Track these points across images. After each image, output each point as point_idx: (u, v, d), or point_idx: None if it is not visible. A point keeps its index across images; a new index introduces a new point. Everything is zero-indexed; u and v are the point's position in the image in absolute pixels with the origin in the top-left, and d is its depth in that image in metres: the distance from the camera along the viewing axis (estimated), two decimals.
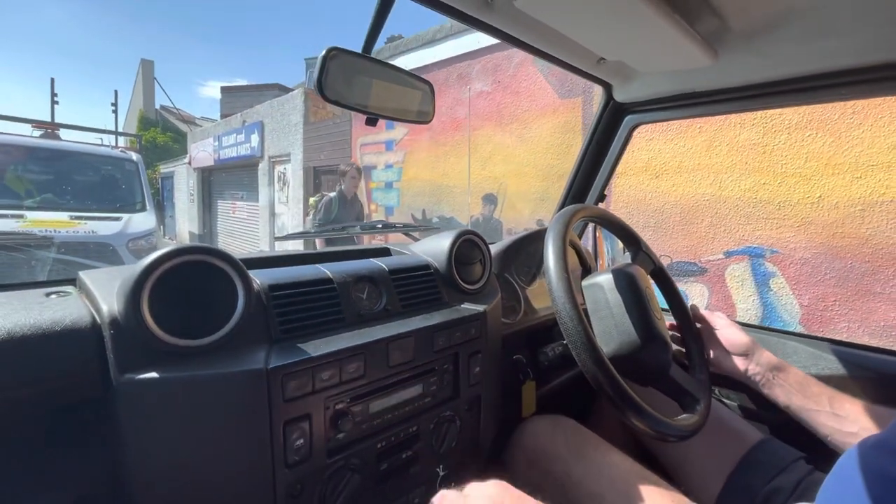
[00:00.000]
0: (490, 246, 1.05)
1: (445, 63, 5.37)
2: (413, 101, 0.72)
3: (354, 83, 0.61)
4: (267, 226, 9.34)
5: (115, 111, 15.60)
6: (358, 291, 0.71)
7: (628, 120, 1.23)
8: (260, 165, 9.41)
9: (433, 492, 0.76)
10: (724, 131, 3.08)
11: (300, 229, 8.10)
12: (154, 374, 0.48)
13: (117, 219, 4.60)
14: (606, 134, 1.28)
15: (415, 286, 0.78)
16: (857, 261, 2.60)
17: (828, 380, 1.00)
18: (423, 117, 0.74)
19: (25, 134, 5.59)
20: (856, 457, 0.38)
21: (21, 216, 4.11)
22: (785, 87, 0.99)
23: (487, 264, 0.91)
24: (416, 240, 1.14)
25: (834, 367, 1.01)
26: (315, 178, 8.01)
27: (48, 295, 0.58)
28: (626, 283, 0.78)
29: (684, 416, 0.74)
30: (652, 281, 0.95)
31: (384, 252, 0.92)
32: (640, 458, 0.91)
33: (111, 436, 0.50)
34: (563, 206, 1.42)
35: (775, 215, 2.90)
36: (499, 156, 4.86)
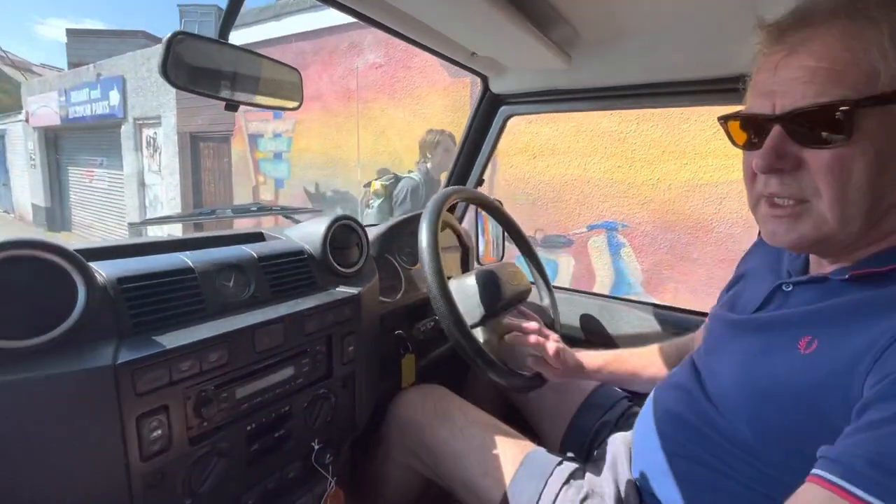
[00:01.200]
0: (370, 228, 1.08)
1: (336, 30, 5.08)
2: (278, 87, 0.72)
3: (207, 69, 0.59)
4: (135, 197, 8.15)
5: None
6: (223, 280, 0.71)
7: (503, 111, 1.33)
8: (123, 128, 8.09)
9: (309, 464, 0.81)
10: (589, 119, 3.44)
11: (177, 201, 7.19)
12: None
13: None
14: (483, 123, 1.36)
15: (286, 272, 0.79)
16: (682, 233, 3.16)
17: (649, 334, 1.24)
18: (289, 104, 0.73)
19: None
20: None
21: None
22: (630, 92, 1.14)
23: (364, 247, 0.95)
24: (296, 222, 1.14)
25: (651, 323, 1.24)
26: (193, 145, 7.14)
27: None
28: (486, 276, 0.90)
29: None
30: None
31: (257, 237, 0.91)
32: (506, 415, 1.05)
33: None
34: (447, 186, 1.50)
35: (626, 194, 3.37)
36: (393, 129, 4.79)
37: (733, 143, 0.57)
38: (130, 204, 8.36)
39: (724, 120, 0.57)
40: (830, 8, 0.46)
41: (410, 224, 1.22)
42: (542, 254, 3.55)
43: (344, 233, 0.91)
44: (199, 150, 7.22)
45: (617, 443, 0.80)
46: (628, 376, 0.91)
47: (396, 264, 1.16)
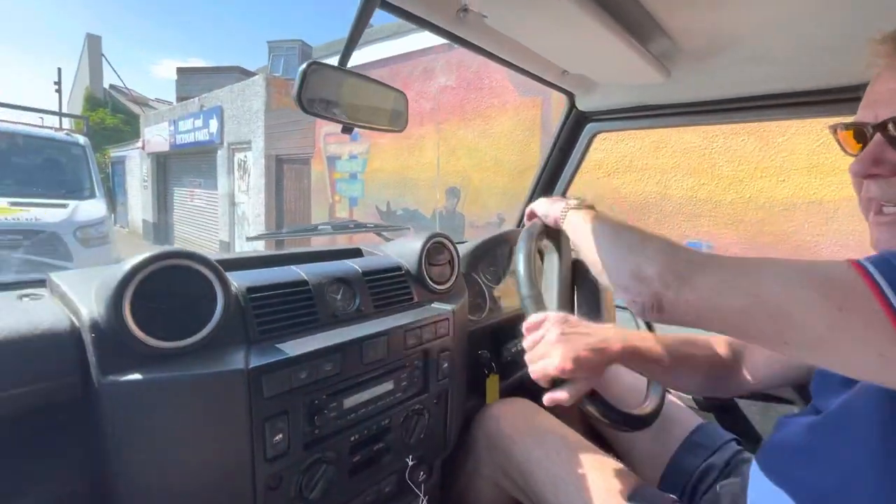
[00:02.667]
0: (458, 246, 1.10)
1: (411, 56, 5.34)
2: (387, 109, 0.75)
3: (332, 95, 0.63)
4: (226, 215, 9.01)
5: (58, 90, 14.32)
6: (332, 293, 0.74)
7: (589, 128, 1.31)
8: (219, 152, 9.06)
9: (403, 480, 0.81)
10: (670, 134, 3.29)
11: (261, 218, 7.76)
12: (137, 376, 0.50)
13: (63, 206, 4.26)
14: (569, 140, 1.35)
15: (387, 287, 0.82)
16: (779, 256, 2.83)
17: None
18: (397, 125, 0.77)
19: None
20: None
21: None
22: (729, 106, 1.08)
23: (456, 265, 0.96)
24: (386, 239, 1.18)
25: None
26: (277, 167, 7.78)
27: (20, 298, 0.57)
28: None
29: (640, 407, 0.82)
30: None
31: (356, 253, 0.95)
32: (592, 438, 0.99)
33: (92, 437, 0.51)
34: (527, 205, 1.48)
35: (712, 213, 3.15)
36: (462, 149, 4.90)
37: (844, 151, 0.58)
38: (222, 220, 9.29)
39: (833, 129, 0.58)
40: None
41: (497, 243, 1.22)
42: None
43: (438, 250, 0.93)
44: (282, 172, 7.83)
45: (734, 492, 0.72)
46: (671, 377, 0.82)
47: (481, 282, 1.16)
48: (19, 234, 3.90)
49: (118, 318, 0.50)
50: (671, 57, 0.97)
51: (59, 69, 14.64)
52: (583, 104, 1.26)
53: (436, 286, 0.90)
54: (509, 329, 1.18)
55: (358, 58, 6.01)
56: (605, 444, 1.00)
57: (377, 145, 6.00)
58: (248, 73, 14.23)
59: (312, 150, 7.02)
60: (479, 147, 4.65)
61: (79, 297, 0.54)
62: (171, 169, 12.09)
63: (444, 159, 5.07)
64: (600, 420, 0.73)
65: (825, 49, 0.84)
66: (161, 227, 12.35)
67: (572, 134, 1.34)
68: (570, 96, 1.26)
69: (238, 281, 0.64)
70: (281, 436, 0.60)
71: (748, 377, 0.80)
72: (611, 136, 3.57)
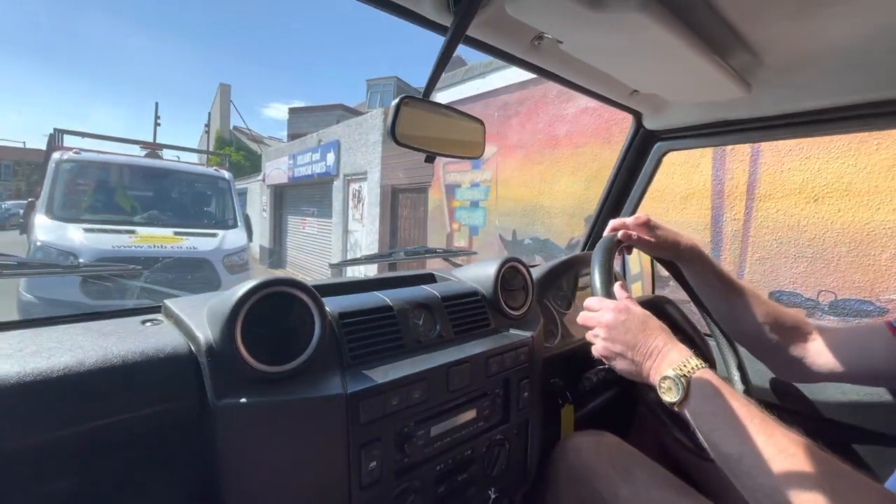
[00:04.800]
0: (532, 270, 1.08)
1: (541, 79, 5.28)
2: (467, 138, 0.77)
3: (420, 127, 0.66)
4: (339, 241, 9.51)
5: (158, 124, 16.25)
6: (415, 318, 0.75)
7: (658, 147, 1.27)
8: (335, 183, 9.62)
9: None
10: None
11: (375, 246, 8.10)
12: (248, 399, 0.52)
13: (214, 235, 4.70)
14: (636, 159, 1.31)
15: (465, 312, 0.82)
16: None
17: (868, 406, 1.01)
18: (475, 152, 0.78)
19: (133, 154, 5.84)
20: None
21: (133, 231, 4.27)
22: (815, 118, 1.02)
23: (530, 290, 0.94)
24: (454, 265, 1.18)
25: (875, 393, 1.01)
26: (393, 197, 8.04)
27: (143, 323, 0.62)
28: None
29: None
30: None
31: (430, 278, 0.96)
32: (681, 476, 0.92)
33: (206, 457, 0.54)
34: (593, 228, 1.45)
35: None
36: (606, 175, 4.54)
37: None
38: (336, 247, 9.80)
39: None
40: None
41: (566, 268, 1.19)
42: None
43: (512, 275, 0.92)
44: (397, 201, 8.06)
45: None
46: (724, 303, 0.86)
47: (552, 309, 1.13)
48: (181, 262, 4.32)
49: (231, 343, 0.53)
50: (752, 71, 0.93)
51: (157, 103, 16.88)
52: (650, 123, 1.23)
53: (511, 312, 0.89)
54: (582, 357, 1.14)
55: (482, 85, 6.04)
56: (695, 484, 0.92)
57: (502, 173, 5.78)
58: (349, 110, 15.99)
59: (430, 179, 7.03)
60: None
61: (195, 323, 0.57)
62: (286, 199, 13.17)
63: (584, 186, 4.69)
64: (689, 448, 0.68)
65: None
66: (275, 251, 13.40)
67: (639, 153, 1.31)
68: (637, 115, 1.24)
69: (330, 306, 0.66)
70: (375, 463, 0.60)
71: (816, 358, 0.80)
72: (819, 154, 3.00)
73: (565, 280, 1.22)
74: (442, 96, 6.79)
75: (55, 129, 5.10)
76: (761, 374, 1.15)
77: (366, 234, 8.51)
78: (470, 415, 0.75)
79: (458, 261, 1.28)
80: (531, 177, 5.33)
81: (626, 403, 1.21)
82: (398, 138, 0.61)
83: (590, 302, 0.74)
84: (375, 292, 0.77)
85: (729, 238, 3.42)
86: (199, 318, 0.58)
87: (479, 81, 6.09)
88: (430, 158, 0.72)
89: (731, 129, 1.14)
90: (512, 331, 0.86)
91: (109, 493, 0.52)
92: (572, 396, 1.06)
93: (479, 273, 0.92)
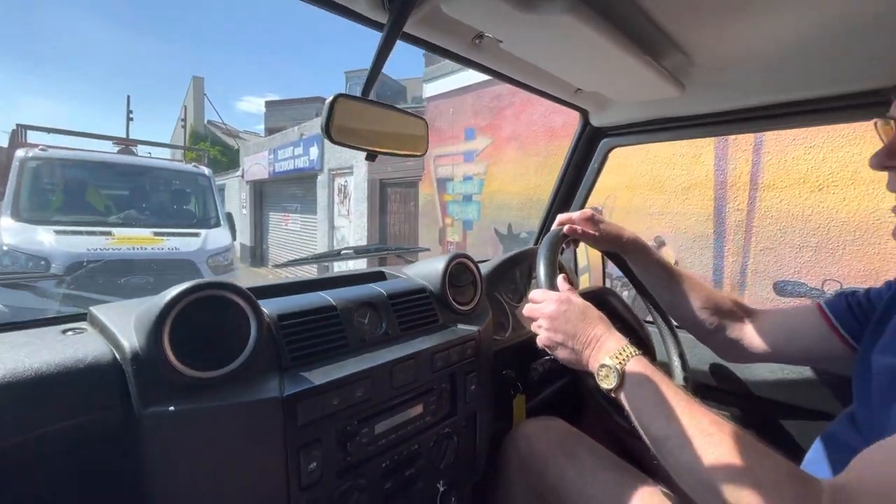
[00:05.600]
0: (479, 266, 1.10)
1: None
2: (408, 135, 0.77)
3: (357, 125, 0.65)
4: (326, 238, 9.22)
5: (130, 118, 15.08)
6: (360, 317, 0.75)
7: (604, 143, 1.31)
8: (319, 178, 9.30)
9: None
10: None
11: (363, 242, 7.84)
12: (177, 406, 0.51)
13: (196, 234, 4.45)
14: (584, 155, 1.35)
15: (412, 309, 0.82)
16: None
17: (791, 384, 1.09)
18: (418, 149, 0.78)
19: (105, 150, 5.39)
20: None
21: (109, 233, 3.97)
22: (745, 115, 1.08)
23: (479, 285, 0.96)
24: (407, 262, 1.19)
25: (795, 372, 1.09)
26: (381, 191, 7.77)
27: (64, 332, 0.59)
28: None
29: None
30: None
31: (379, 276, 0.96)
32: (626, 458, 0.97)
33: (133, 467, 0.52)
34: (544, 223, 1.49)
35: None
36: (606, 166, 4.28)
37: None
38: (321, 243, 9.47)
39: (875, 123, 0.60)
40: None
41: (517, 261, 1.21)
42: None
43: (460, 270, 0.93)
44: (386, 196, 7.79)
45: None
46: (667, 291, 0.91)
47: (504, 302, 1.15)
48: (163, 263, 4.06)
49: (158, 350, 0.51)
50: (685, 71, 0.97)
51: (129, 97, 15.62)
52: (596, 120, 1.27)
53: (460, 307, 0.90)
54: (533, 348, 1.17)
55: (475, 76, 5.73)
56: (640, 465, 0.97)
57: (496, 166, 5.55)
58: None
59: (421, 173, 6.80)
60: (628, 163, 3.99)
61: (119, 329, 0.55)
62: (266, 195, 12.68)
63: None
64: (629, 431, 0.72)
65: (840, 55, 0.84)
66: (256, 250, 12.90)
67: (587, 149, 1.35)
68: (584, 113, 1.27)
69: (269, 308, 0.65)
70: (315, 464, 0.60)
71: (753, 339, 0.85)
72: (821, 145, 3.01)
73: (519, 272, 1.25)
74: (431, 87, 6.64)
75: (18, 125, 4.74)
76: (701, 358, 1.22)
77: (353, 230, 8.32)
78: (416, 410, 0.76)
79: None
80: (526, 169, 5.15)
81: (575, 391, 1.25)
82: (333, 136, 0.61)
83: (534, 294, 0.77)
84: (320, 292, 0.76)
85: (732, 228, 3.41)
86: (125, 325, 0.56)
87: (471, 72, 6.10)
88: (370, 156, 0.72)
89: (669, 126, 1.19)
90: (460, 326, 0.87)
91: None
92: (524, 387, 1.09)
93: (428, 270, 0.93)
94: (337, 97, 0.61)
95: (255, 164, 12.15)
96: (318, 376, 0.61)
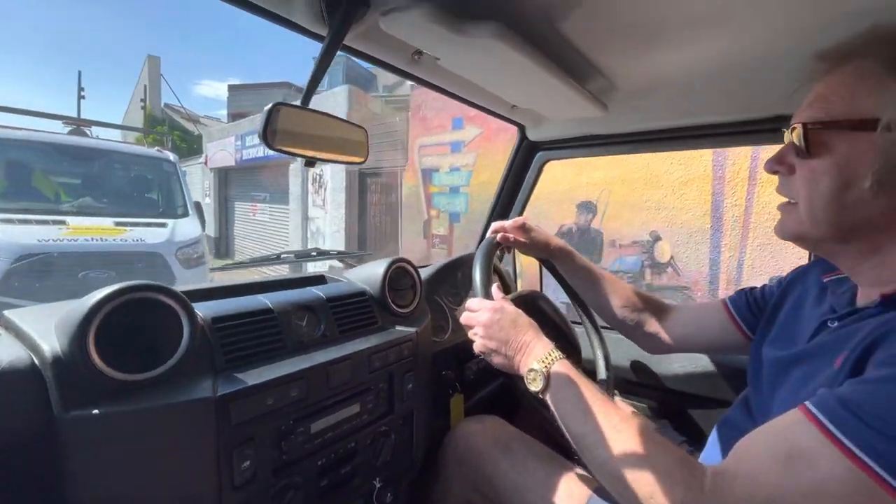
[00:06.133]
0: (420, 270, 1.14)
1: None
2: (348, 143, 0.80)
3: (296, 132, 0.67)
4: (299, 230, 8.66)
5: (82, 97, 13.16)
6: (298, 319, 0.76)
7: (539, 156, 1.40)
8: (291, 166, 8.69)
9: (371, 503, 0.82)
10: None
11: (340, 234, 7.44)
12: (100, 410, 0.50)
13: (163, 225, 4.03)
14: (521, 167, 1.44)
15: (351, 312, 0.85)
16: None
17: (699, 375, 1.21)
18: (358, 157, 0.81)
19: (54, 131, 4.69)
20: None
21: (62, 222, 3.49)
22: (662, 136, 1.20)
23: (418, 289, 1.00)
24: (349, 266, 1.20)
25: (703, 363, 1.22)
26: (360, 181, 7.39)
27: None
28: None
29: None
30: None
31: (320, 280, 0.98)
32: (557, 449, 1.04)
33: (56, 474, 0.51)
34: (484, 230, 1.56)
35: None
36: (599, 160, 4.09)
37: None
38: (294, 235, 8.88)
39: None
40: (862, 47, 0.52)
41: (457, 266, 1.27)
42: None
43: (400, 275, 0.97)
44: (366, 186, 7.38)
45: None
46: (591, 293, 0.99)
47: (444, 305, 1.20)
48: (128, 256, 3.63)
49: (82, 353, 0.51)
50: (607, 93, 1.07)
51: (80, 72, 13.72)
52: (533, 135, 1.35)
53: (399, 310, 0.94)
54: (470, 350, 1.22)
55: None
56: (569, 454, 1.04)
57: (486, 156, 5.33)
58: (298, 88, 14.60)
59: (404, 163, 6.47)
60: (624, 158, 3.87)
61: (38, 333, 0.54)
62: (232, 184, 11.88)
63: (575, 170, 4.31)
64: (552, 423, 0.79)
65: (746, 85, 0.94)
66: (221, 241, 12.00)
67: (524, 162, 1.43)
68: (521, 127, 1.36)
69: (204, 311, 0.66)
70: (248, 462, 0.61)
71: (667, 332, 0.94)
72: None
73: (460, 275, 1.31)
74: None
75: None
76: (624, 354, 1.33)
77: (329, 222, 7.90)
78: (353, 409, 0.78)
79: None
80: None
81: (510, 391, 1.32)
82: (270, 143, 0.63)
83: (470, 303, 0.82)
84: (258, 295, 0.77)
85: (729, 224, 3.48)
86: (44, 329, 0.55)
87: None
88: (309, 163, 0.74)
89: (597, 142, 1.30)
90: (398, 327, 0.90)
91: None
92: (462, 387, 1.14)
93: (369, 273, 0.95)
94: (275, 105, 0.63)
95: (220, 151, 11.41)
96: (253, 377, 0.62)
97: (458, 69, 0.90)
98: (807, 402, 0.46)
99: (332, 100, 7.70)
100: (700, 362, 1.22)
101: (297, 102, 0.70)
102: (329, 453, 0.74)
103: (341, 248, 6.95)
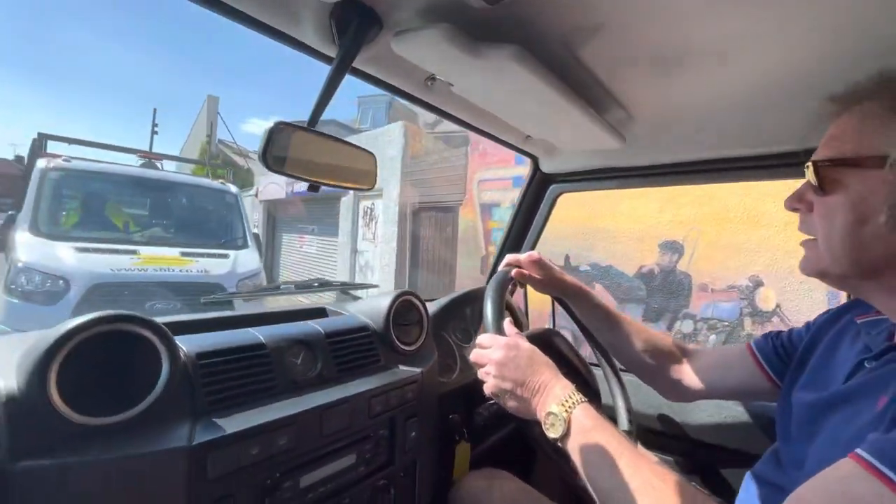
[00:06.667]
0: (427, 305, 1.07)
1: None
2: (355, 168, 0.76)
3: (299, 155, 0.63)
4: (346, 262, 8.78)
5: (155, 132, 14.38)
6: (292, 356, 0.70)
7: (553, 189, 1.36)
8: (343, 199, 8.89)
9: None
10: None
11: (390, 268, 7.45)
12: (57, 460, 0.43)
13: (225, 256, 4.05)
14: (534, 199, 1.39)
15: (352, 349, 0.78)
16: None
17: (729, 427, 1.11)
18: (366, 183, 0.77)
19: (127, 164, 4.90)
20: None
21: (134, 252, 3.54)
22: (681, 169, 1.15)
23: (425, 325, 0.93)
24: (355, 299, 1.14)
25: (735, 414, 1.12)
26: (414, 216, 7.34)
27: None
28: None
29: None
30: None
31: (321, 313, 0.91)
32: None
33: None
34: (496, 263, 1.50)
35: None
36: (687, 196, 3.73)
37: None
38: (341, 268, 8.94)
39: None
40: (870, 90, 0.54)
41: (466, 301, 1.20)
42: None
43: (406, 309, 0.90)
44: (419, 220, 7.33)
45: None
46: (609, 334, 0.92)
47: (452, 342, 1.12)
48: (193, 287, 3.60)
49: (41, 392, 0.44)
50: (625, 124, 1.03)
51: (155, 109, 14.80)
52: (546, 166, 1.31)
53: (404, 347, 0.87)
54: (481, 391, 1.14)
55: None
56: None
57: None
58: (342, 126, 15.47)
59: (462, 198, 6.41)
60: (715, 194, 3.58)
61: None
62: (280, 216, 12.34)
63: (657, 206, 3.90)
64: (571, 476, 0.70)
65: (763, 118, 0.92)
66: (266, 270, 12.51)
67: (536, 195, 1.39)
68: (534, 159, 1.32)
69: (188, 345, 0.59)
70: None
71: (689, 379, 0.88)
72: None
73: (470, 311, 1.24)
74: None
75: (39, 134, 4.29)
76: (644, 400, 1.23)
77: (379, 255, 7.92)
78: (349, 460, 0.70)
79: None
80: (589, 196, 4.39)
81: (524, 439, 1.22)
82: (269, 164, 0.58)
83: (482, 339, 0.75)
84: (250, 329, 0.71)
85: None
86: (5, 362, 0.49)
87: None
88: (313, 187, 0.69)
89: (613, 175, 1.25)
90: (402, 367, 0.83)
91: None
92: (469, 433, 1.05)
93: (372, 307, 0.89)
94: (276, 125, 0.59)
95: (271, 184, 11.84)
96: (237, 422, 0.55)
97: (473, 96, 0.87)
98: (858, 451, 0.42)
99: (386, 136, 7.76)
100: (730, 411, 1.12)
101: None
102: None
103: (390, 282, 6.91)
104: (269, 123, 0.58)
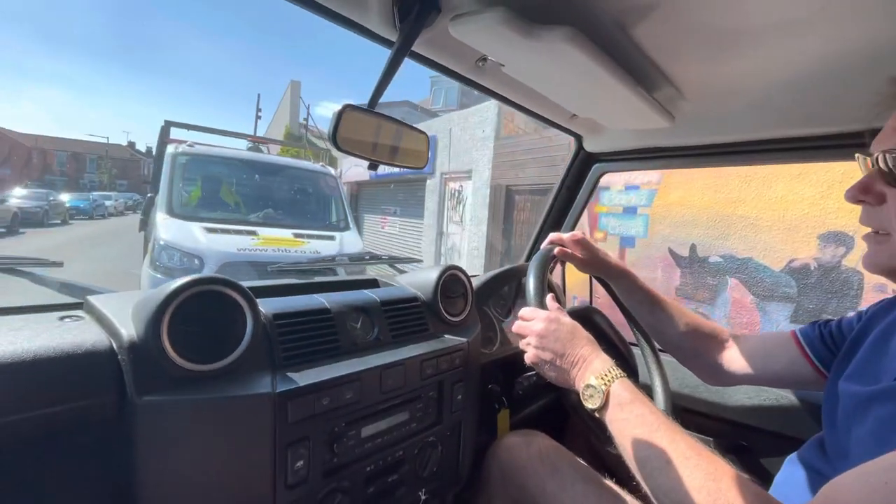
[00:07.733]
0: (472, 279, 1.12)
1: None
2: (411, 148, 0.80)
3: (362, 135, 0.68)
4: (432, 244, 8.86)
5: (259, 117, 15.54)
6: (352, 321, 0.76)
7: (596, 168, 1.36)
8: (428, 182, 8.91)
9: None
10: None
11: (479, 251, 7.36)
12: (172, 397, 0.51)
13: (332, 238, 4.25)
14: (576, 179, 1.40)
15: (404, 317, 0.84)
16: None
17: (772, 409, 1.12)
18: (419, 163, 0.81)
19: (235, 147, 5.20)
20: None
21: (254, 233, 3.79)
22: (730, 149, 1.13)
23: (470, 298, 0.98)
24: (399, 272, 1.21)
25: (779, 397, 1.12)
26: (507, 198, 7.02)
27: (62, 319, 0.60)
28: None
29: None
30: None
31: (373, 283, 0.98)
32: (607, 474, 0.98)
33: (123, 454, 0.52)
34: (535, 241, 1.52)
35: None
36: (850, 182, 2.46)
37: None
38: (427, 250, 9.06)
39: (856, 157, 0.61)
40: None
41: (507, 277, 1.24)
42: None
43: (453, 282, 0.95)
44: (513, 203, 7.00)
45: None
46: (650, 316, 0.93)
47: (492, 316, 1.17)
48: (307, 268, 3.91)
49: (156, 341, 0.52)
50: (675, 103, 1.02)
51: (259, 95, 15.60)
52: (590, 145, 1.31)
53: (450, 318, 0.92)
54: (519, 363, 1.19)
55: None
56: (620, 481, 0.98)
57: (678, 174, 4.39)
58: (415, 107, 15.90)
59: (557, 180, 6.23)
60: None
61: (118, 319, 0.56)
62: (363, 197, 12.85)
63: (819, 191, 3.34)
64: (608, 449, 0.74)
65: (824, 97, 0.89)
66: None
67: (579, 174, 1.39)
68: (578, 138, 1.32)
69: (265, 307, 0.67)
70: (302, 462, 0.60)
71: (730, 363, 0.88)
72: None
73: (508, 288, 1.28)
74: None
75: (166, 121, 4.59)
76: (682, 381, 1.25)
77: (468, 239, 7.76)
78: (402, 417, 0.77)
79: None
80: (724, 179, 3.86)
81: (559, 408, 1.27)
82: (338, 144, 0.63)
83: (524, 312, 0.79)
84: (315, 295, 0.78)
85: None
86: (123, 315, 0.57)
87: None
88: (373, 166, 0.74)
89: (659, 155, 1.24)
90: (448, 336, 0.89)
91: (26, 487, 0.50)
92: (508, 402, 1.11)
93: (421, 279, 0.95)
94: (345, 107, 0.64)
95: (355, 167, 12.10)
96: (310, 376, 0.62)
97: (523, 76, 0.89)
98: None
99: (478, 115, 7.49)
100: (769, 394, 1.12)
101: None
102: (377, 460, 0.73)
103: (480, 267, 6.76)
104: (339, 106, 0.63)
